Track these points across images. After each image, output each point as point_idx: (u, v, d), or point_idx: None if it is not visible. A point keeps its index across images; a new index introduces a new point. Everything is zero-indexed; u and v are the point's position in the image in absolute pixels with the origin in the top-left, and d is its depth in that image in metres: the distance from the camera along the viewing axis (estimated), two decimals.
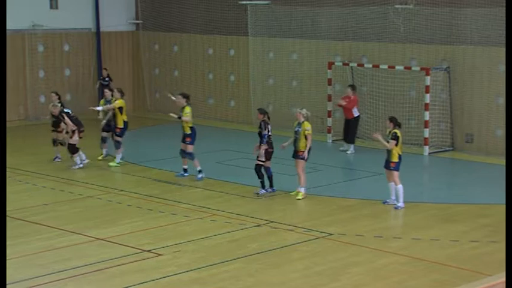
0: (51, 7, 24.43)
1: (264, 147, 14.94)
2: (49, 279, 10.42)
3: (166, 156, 18.56)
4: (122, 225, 13.09)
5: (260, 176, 15.02)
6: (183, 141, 16.35)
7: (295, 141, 14.82)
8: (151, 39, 25.92)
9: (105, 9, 25.43)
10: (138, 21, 26.11)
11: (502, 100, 18.30)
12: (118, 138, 17.58)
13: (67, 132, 17.34)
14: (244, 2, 22.75)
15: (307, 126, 14.78)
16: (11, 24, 23.31)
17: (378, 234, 12.61)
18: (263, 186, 15.07)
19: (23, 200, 14.67)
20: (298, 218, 13.66)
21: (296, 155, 14.83)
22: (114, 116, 17.63)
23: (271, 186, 15.20)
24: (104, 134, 18.09)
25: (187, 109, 16.26)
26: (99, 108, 17.95)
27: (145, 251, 11.64)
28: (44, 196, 15.12)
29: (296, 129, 14.81)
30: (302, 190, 14.82)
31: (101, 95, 21.88)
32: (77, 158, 17.32)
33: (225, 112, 24.28)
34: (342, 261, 11.29)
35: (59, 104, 17.59)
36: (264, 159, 14.99)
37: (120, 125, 17.52)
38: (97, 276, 10.58)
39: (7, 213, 13.56)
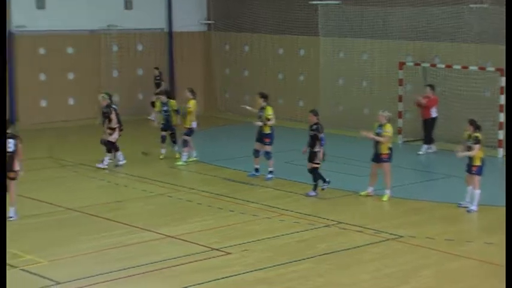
0: (125, 7, 24.94)
1: (321, 149, 14.76)
2: (119, 275, 10.62)
3: (236, 156, 18.68)
4: (192, 223, 13.24)
5: (317, 179, 14.92)
6: (260, 140, 16.36)
7: (377, 144, 14.62)
8: (222, 40, 26.14)
9: (177, 9, 25.79)
10: (209, 22, 26.39)
11: None
12: (186, 137, 17.80)
13: (109, 128, 17.26)
14: (315, 2, 22.69)
15: (389, 128, 14.60)
16: (87, 25, 23.99)
17: (449, 238, 12.40)
18: (315, 188, 14.98)
19: (96, 197, 15.01)
20: (368, 219, 13.54)
21: (379, 158, 14.60)
22: (184, 115, 17.85)
23: (324, 181, 15.03)
24: (163, 133, 18.32)
25: (270, 110, 16.27)
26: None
27: (214, 249, 11.75)
28: (117, 193, 15.43)
29: (377, 131, 14.59)
30: (388, 192, 14.66)
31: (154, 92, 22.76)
32: (107, 158, 17.30)
33: (294, 112, 24.26)
34: (411, 264, 11.15)
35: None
36: (320, 162, 14.87)
37: (188, 124, 17.73)
38: (166, 273, 10.73)
39: (82, 210, 13.95)
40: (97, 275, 10.58)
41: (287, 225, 13.10)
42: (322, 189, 15.01)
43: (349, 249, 11.83)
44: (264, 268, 10.91)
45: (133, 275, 10.64)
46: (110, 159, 17.37)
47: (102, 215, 13.63)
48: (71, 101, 24.19)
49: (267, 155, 16.30)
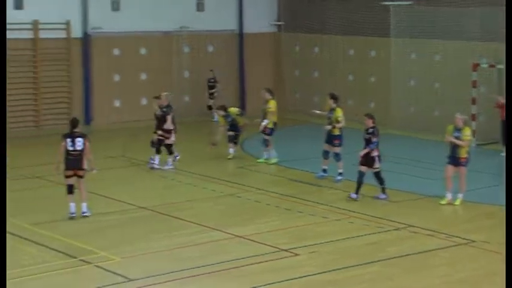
0: (197, 9, 25.27)
1: (376, 153, 14.54)
2: (189, 273, 10.76)
3: (304, 157, 18.66)
4: (260, 223, 13.30)
5: (383, 182, 14.71)
6: (329, 142, 16.30)
7: (455, 147, 14.32)
8: (292, 41, 26.16)
9: (248, 11, 25.96)
10: (280, 23, 26.45)
11: None
12: (266, 137, 17.90)
13: (162, 130, 17.05)
14: (387, 3, 22.47)
15: (468, 131, 14.41)
16: (160, 26, 24.41)
17: None
18: (384, 191, 14.75)
19: (167, 196, 15.25)
20: (439, 223, 13.33)
21: (457, 161, 14.30)
22: (265, 115, 17.93)
23: (358, 192, 14.66)
24: (231, 133, 18.52)
25: (340, 112, 16.21)
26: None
27: (282, 250, 11.78)
28: (187, 192, 15.62)
29: (456, 134, 14.31)
30: (461, 196, 14.40)
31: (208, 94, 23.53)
32: (170, 159, 17.36)
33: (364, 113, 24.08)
34: (483, 270, 10.94)
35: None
36: (379, 165, 14.63)
37: (270, 125, 17.83)
38: (235, 273, 10.82)
39: (153, 208, 14.20)
40: (168, 273, 10.75)
41: (356, 227, 13.03)
42: (350, 197, 14.66)
43: (419, 253, 11.68)
44: (334, 270, 10.88)
45: (204, 274, 10.76)
46: (175, 158, 17.50)
47: (172, 214, 13.83)
48: (144, 101, 24.61)
49: (337, 156, 16.23)
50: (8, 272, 10.59)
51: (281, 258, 11.45)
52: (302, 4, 25.67)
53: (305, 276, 10.65)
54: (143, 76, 24.59)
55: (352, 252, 11.69)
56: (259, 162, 17.99)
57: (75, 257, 11.33)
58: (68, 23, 22.91)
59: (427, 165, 17.51)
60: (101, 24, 23.50)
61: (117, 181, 16.46)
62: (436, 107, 21.85)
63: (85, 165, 13.44)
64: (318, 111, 17.28)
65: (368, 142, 14.62)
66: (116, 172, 17.24)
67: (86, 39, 23.38)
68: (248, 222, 13.36)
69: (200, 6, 25.32)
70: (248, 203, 14.76)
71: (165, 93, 18.02)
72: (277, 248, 11.88)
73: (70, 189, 13.43)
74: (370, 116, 14.82)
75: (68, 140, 13.35)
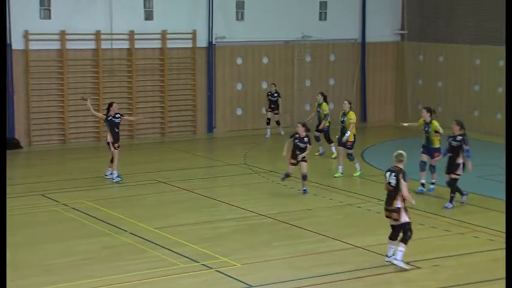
0: (319, 19, 25.34)
1: (461, 160, 14.44)
2: (307, 282, 10.79)
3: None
4: (380, 234, 13.10)
5: (454, 191, 14.64)
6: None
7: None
8: (415, 50, 25.73)
9: (371, 20, 25.76)
10: (403, 32, 26.08)
11: None
12: (349, 151, 17.66)
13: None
14: None
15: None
16: (282, 35, 24.65)
17: None
18: (451, 200, 14.80)
19: (287, 204, 15.33)
20: None
21: None
22: (345, 127, 17.80)
23: (462, 194, 14.88)
24: (317, 133, 19.74)
25: (436, 123, 16.03)
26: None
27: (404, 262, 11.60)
28: (307, 201, 15.67)
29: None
30: None
31: (271, 109, 22.85)
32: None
33: (491, 125, 23.33)
34: None
35: None
36: (460, 174, 14.56)
37: (351, 138, 17.61)
38: (355, 284, 10.76)
39: (273, 216, 14.33)
40: (288, 280, 10.84)
41: (481, 242, 12.64)
42: (461, 203, 14.72)
43: None
44: (457, 285, 10.62)
45: (322, 284, 10.76)
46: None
47: (292, 222, 13.90)
48: (264, 110, 24.90)
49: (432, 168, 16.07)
50: (133, 273, 11.05)
51: (402, 271, 11.27)
52: (428, 13, 25.20)
53: None
54: (265, 85, 24.89)
55: (477, 268, 11.35)
56: (355, 175, 17.69)
57: (198, 262, 11.62)
58: (194, 33, 23.56)
59: None
60: (225, 33, 24.01)
61: (238, 188, 16.73)
62: None
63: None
64: (405, 124, 17.26)
65: (455, 149, 14.44)
66: (237, 179, 17.53)
67: (210, 49, 23.95)
68: (368, 232, 13.24)
69: (322, 15, 25.37)
70: (368, 213, 14.63)
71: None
72: None
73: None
74: (459, 124, 14.63)
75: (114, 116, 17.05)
